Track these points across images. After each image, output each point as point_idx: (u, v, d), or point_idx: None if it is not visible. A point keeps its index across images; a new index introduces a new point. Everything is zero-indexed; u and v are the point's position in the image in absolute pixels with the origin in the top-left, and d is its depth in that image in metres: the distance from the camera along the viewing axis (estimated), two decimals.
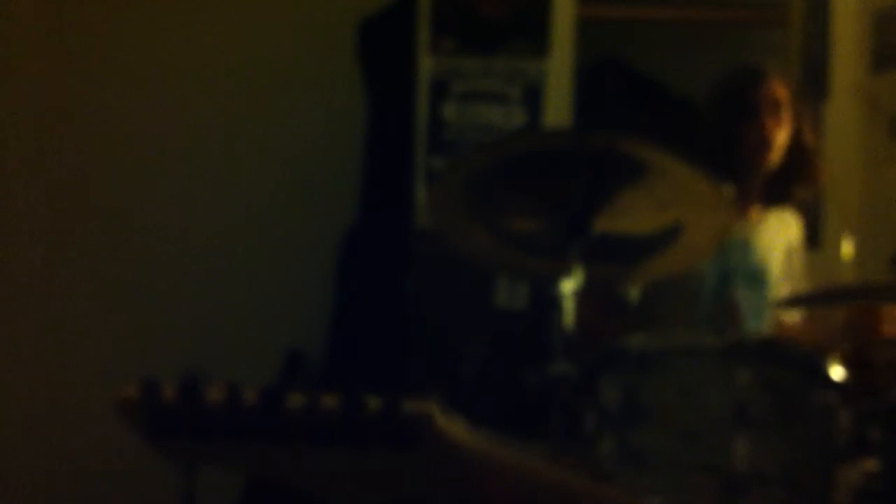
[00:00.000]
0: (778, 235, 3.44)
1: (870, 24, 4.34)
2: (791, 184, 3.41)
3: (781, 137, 3.35)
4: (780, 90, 3.38)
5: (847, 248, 3.46)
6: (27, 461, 4.34)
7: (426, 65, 4.07)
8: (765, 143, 3.33)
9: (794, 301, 3.39)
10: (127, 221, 4.42)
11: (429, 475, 1.17)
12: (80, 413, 4.26)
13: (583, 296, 2.78)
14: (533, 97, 4.06)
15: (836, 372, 2.52)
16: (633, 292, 3.23)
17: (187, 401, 1.12)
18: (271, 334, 4.20)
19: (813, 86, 4.25)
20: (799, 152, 3.38)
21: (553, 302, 2.67)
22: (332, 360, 4.12)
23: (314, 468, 1.16)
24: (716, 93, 3.44)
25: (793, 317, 3.42)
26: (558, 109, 4.07)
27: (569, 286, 2.66)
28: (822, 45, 4.38)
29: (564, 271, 2.67)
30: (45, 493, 4.33)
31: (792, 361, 2.55)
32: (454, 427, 1.16)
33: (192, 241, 4.42)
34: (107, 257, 4.41)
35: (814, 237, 3.93)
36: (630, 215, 2.78)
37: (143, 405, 1.13)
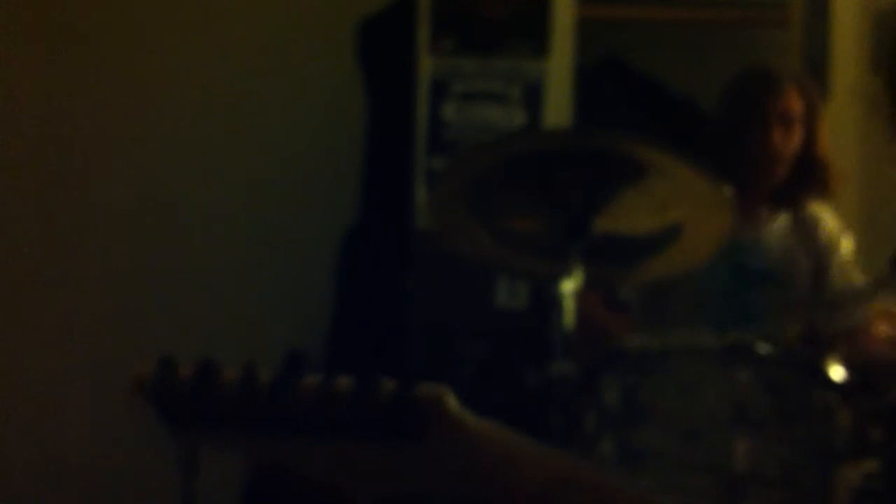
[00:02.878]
0: (796, 236, 3.40)
1: (870, 24, 4.33)
2: (800, 192, 3.38)
3: (791, 149, 3.31)
4: (795, 101, 3.32)
5: (847, 248, 3.46)
6: (27, 461, 4.34)
7: (426, 65, 4.07)
8: (773, 156, 3.30)
9: (794, 302, 3.39)
10: (126, 222, 4.42)
11: (442, 462, 1.18)
12: (80, 413, 4.27)
13: (584, 292, 2.78)
14: (533, 97, 4.06)
15: (836, 372, 2.52)
16: (628, 292, 3.23)
17: (203, 378, 1.14)
18: (271, 334, 4.20)
19: None
20: (810, 161, 3.35)
21: (553, 302, 2.67)
22: (332, 361, 4.12)
23: (326, 453, 1.17)
24: (728, 95, 3.40)
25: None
26: (558, 109, 4.07)
27: (569, 286, 2.66)
28: (822, 45, 4.38)
29: (564, 271, 2.67)
30: (45, 492, 4.33)
31: (792, 361, 2.55)
32: (465, 413, 1.17)
33: (192, 241, 4.43)
34: (105, 257, 4.41)
35: None
36: (630, 215, 2.78)
37: (158, 383, 1.15)
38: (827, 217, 3.44)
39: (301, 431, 1.15)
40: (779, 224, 3.41)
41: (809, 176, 3.36)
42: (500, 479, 1.20)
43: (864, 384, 2.64)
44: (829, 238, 3.42)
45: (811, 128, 3.34)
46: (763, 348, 2.54)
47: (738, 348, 2.50)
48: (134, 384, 1.17)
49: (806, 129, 3.33)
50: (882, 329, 3.09)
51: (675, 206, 2.77)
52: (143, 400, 1.17)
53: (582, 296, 2.78)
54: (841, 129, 3.93)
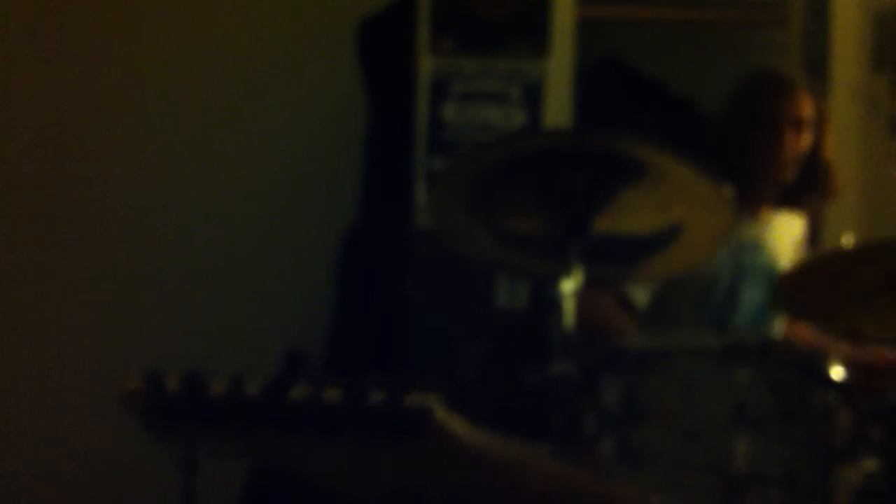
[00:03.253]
0: (786, 235, 3.44)
1: (870, 24, 4.34)
2: (804, 193, 3.40)
3: (800, 152, 3.32)
4: (806, 106, 3.32)
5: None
6: (27, 461, 4.34)
7: (426, 65, 4.07)
8: (782, 159, 3.31)
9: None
10: (126, 221, 4.42)
11: (431, 468, 1.18)
12: (80, 413, 4.27)
13: (598, 294, 2.78)
14: (533, 97, 4.06)
15: (836, 372, 2.52)
16: (641, 296, 3.23)
17: (191, 392, 1.15)
18: (271, 334, 4.20)
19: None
20: (816, 165, 3.36)
21: (553, 302, 2.67)
22: (332, 361, 4.12)
23: (317, 459, 1.18)
24: (738, 97, 3.39)
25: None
26: (558, 109, 4.07)
27: (569, 286, 2.66)
28: (822, 45, 4.38)
29: (564, 271, 2.67)
30: (45, 493, 4.33)
31: (792, 361, 2.55)
32: (455, 422, 1.17)
33: (192, 241, 4.42)
34: (105, 257, 4.41)
35: (814, 237, 3.93)
36: (630, 215, 2.79)
37: (146, 396, 1.16)
38: (798, 227, 3.47)
39: (291, 439, 1.16)
40: (778, 223, 3.42)
41: (814, 178, 3.37)
42: (496, 487, 1.20)
43: (864, 384, 2.64)
44: (797, 243, 3.45)
45: (819, 132, 3.35)
46: (763, 348, 2.54)
47: (738, 348, 2.50)
48: (122, 398, 1.18)
49: (814, 133, 3.34)
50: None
51: (675, 206, 2.77)
52: (131, 413, 1.18)
53: (596, 298, 2.78)
54: (841, 129, 3.93)
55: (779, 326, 3.35)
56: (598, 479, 1.29)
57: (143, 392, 1.16)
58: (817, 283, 2.91)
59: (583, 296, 2.69)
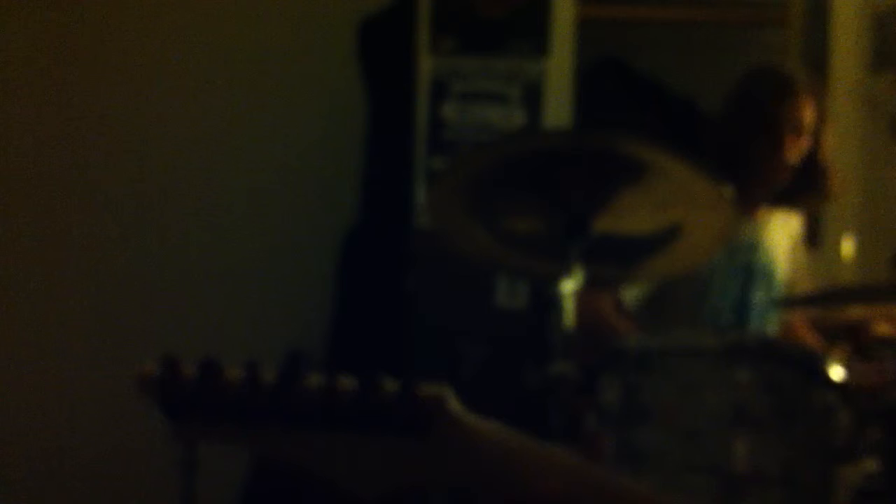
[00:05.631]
0: (782, 233, 3.44)
1: (870, 24, 4.34)
2: (801, 194, 3.39)
3: (798, 156, 3.32)
4: (808, 110, 3.30)
5: (847, 248, 3.46)
6: (27, 461, 4.34)
7: (426, 65, 4.07)
8: (780, 163, 3.30)
9: (794, 301, 3.39)
10: (126, 221, 4.42)
11: (442, 460, 1.18)
12: (80, 412, 4.27)
13: (598, 295, 2.78)
14: (533, 97, 4.06)
15: (836, 372, 2.52)
16: (630, 294, 3.23)
17: (206, 378, 1.15)
18: (271, 334, 4.20)
19: None
20: (812, 167, 3.35)
21: (553, 302, 2.67)
22: (333, 361, 4.12)
23: (328, 451, 1.18)
24: (739, 97, 3.38)
25: (798, 317, 3.41)
26: (558, 109, 4.07)
27: (569, 286, 2.66)
28: (822, 45, 4.38)
29: (564, 271, 2.67)
30: (45, 493, 4.33)
31: (792, 361, 2.55)
32: (467, 413, 1.18)
33: (192, 241, 4.43)
34: (105, 257, 4.41)
35: (814, 237, 3.93)
36: (630, 215, 2.78)
37: (162, 382, 1.16)
38: (794, 225, 3.47)
39: (303, 427, 1.16)
40: (774, 223, 3.42)
41: (811, 180, 3.37)
42: (508, 481, 1.20)
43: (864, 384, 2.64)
44: (794, 241, 3.46)
45: (817, 133, 3.34)
46: (763, 348, 2.54)
47: (738, 348, 2.50)
48: (138, 382, 1.18)
49: (814, 136, 3.33)
50: (883, 329, 3.10)
51: (675, 206, 2.77)
52: (147, 397, 1.18)
53: (597, 299, 2.77)
54: (841, 129, 3.93)
55: (778, 328, 3.35)
56: (611, 475, 1.29)
57: (159, 377, 1.17)
58: None
59: (583, 296, 2.70)
